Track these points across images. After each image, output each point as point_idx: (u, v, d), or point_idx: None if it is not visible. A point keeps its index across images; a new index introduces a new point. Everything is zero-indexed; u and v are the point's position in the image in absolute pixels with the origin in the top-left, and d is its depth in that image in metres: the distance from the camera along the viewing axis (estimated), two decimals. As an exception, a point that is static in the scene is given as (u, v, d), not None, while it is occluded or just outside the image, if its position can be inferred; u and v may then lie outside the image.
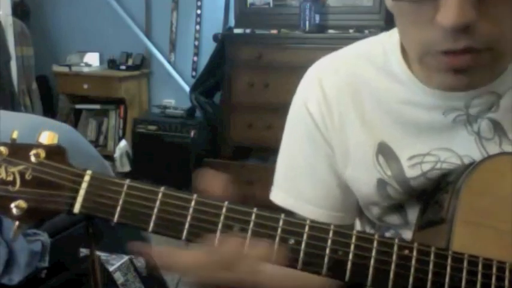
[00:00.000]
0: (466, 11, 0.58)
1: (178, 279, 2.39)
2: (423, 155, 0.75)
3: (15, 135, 0.62)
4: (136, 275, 1.82)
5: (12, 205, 0.60)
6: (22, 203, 0.60)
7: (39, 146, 0.62)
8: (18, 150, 0.61)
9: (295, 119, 0.85)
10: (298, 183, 0.83)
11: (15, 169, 0.61)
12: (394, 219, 0.81)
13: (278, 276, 0.72)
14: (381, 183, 0.78)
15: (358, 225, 0.94)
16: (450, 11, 0.58)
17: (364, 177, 0.79)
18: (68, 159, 0.63)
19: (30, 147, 0.62)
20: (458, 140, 0.75)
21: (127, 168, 3.59)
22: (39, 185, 0.61)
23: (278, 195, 0.85)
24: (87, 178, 0.62)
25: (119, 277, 1.80)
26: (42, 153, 0.61)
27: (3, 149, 0.61)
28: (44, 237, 1.49)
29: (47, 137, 0.63)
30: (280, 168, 0.86)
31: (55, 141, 0.63)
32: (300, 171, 0.83)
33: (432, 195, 0.76)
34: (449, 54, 0.63)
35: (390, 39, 0.79)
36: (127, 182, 0.62)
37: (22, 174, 0.61)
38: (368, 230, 0.89)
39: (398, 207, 0.80)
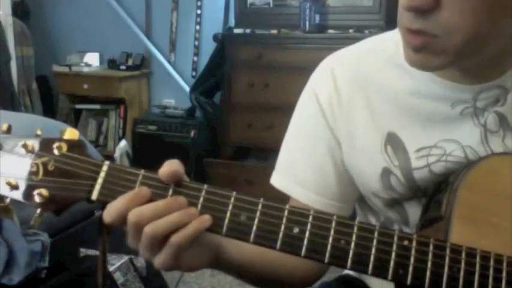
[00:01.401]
0: None
1: (178, 279, 2.40)
2: (430, 147, 0.77)
3: (39, 131, 0.67)
4: (136, 275, 1.82)
5: (35, 192, 0.64)
6: (44, 191, 0.64)
7: (62, 140, 0.67)
8: (41, 144, 0.66)
9: (303, 106, 0.86)
10: (297, 168, 0.85)
11: (39, 160, 0.65)
12: (392, 215, 0.82)
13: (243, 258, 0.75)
14: (386, 172, 0.79)
15: (359, 216, 0.95)
16: None
17: (370, 164, 0.80)
18: (87, 152, 0.67)
19: (53, 141, 0.66)
20: (464, 131, 0.76)
21: (127, 168, 3.59)
22: (60, 174, 0.65)
23: (277, 179, 0.87)
24: (105, 168, 0.65)
25: (118, 277, 1.80)
26: (64, 147, 0.66)
27: (28, 142, 0.65)
28: (44, 237, 1.49)
29: (69, 133, 0.68)
30: (283, 153, 0.88)
31: (76, 137, 0.68)
32: (300, 157, 0.85)
33: (432, 197, 0.76)
34: (408, 31, 0.67)
35: None
36: (142, 172, 0.66)
37: (45, 165, 0.65)
38: (373, 221, 0.90)
39: (397, 204, 0.81)
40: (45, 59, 3.87)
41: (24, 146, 0.65)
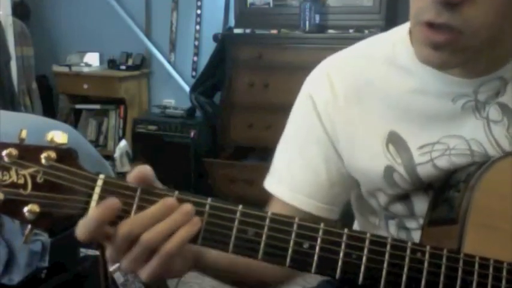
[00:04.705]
0: None
1: (178, 279, 2.39)
2: (433, 143, 0.77)
3: (24, 134, 0.60)
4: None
5: (25, 209, 0.58)
6: (35, 207, 0.59)
7: (50, 147, 0.60)
8: (28, 152, 0.59)
9: (299, 109, 0.86)
10: (290, 170, 0.84)
11: (26, 172, 0.59)
12: (399, 209, 0.82)
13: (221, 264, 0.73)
14: (388, 170, 0.79)
15: (357, 220, 0.95)
16: None
17: (372, 164, 0.80)
18: (79, 162, 0.61)
19: (40, 149, 0.60)
20: (467, 126, 0.76)
21: (127, 168, 3.59)
22: (51, 188, 0.59)
23: (271, 183, 0.86)
24: (99, 182, 0.61)
25: (118, 277, 1.80)
26: (53, 156, 0.60)
27: (13, 150, 0.59)
28: (44, 237, 1.49)
29: (56, 137, 0.61)
30: (277, 156, 0.88)
31: (65, 141, 0.61)
32: (294, 159, 0.84)
33: (442, 191, 0.76)
34: (430, 27, 0.65)
35: (399, 30, 0.81)
36: (140, 186, 0.61)
37: (33, 177, 0.59)
38: (372, 220, 0.90)
39: (404, 197, 0.81)
40: (45, 59, 3.87)
41: (9, 154, 0.58)
